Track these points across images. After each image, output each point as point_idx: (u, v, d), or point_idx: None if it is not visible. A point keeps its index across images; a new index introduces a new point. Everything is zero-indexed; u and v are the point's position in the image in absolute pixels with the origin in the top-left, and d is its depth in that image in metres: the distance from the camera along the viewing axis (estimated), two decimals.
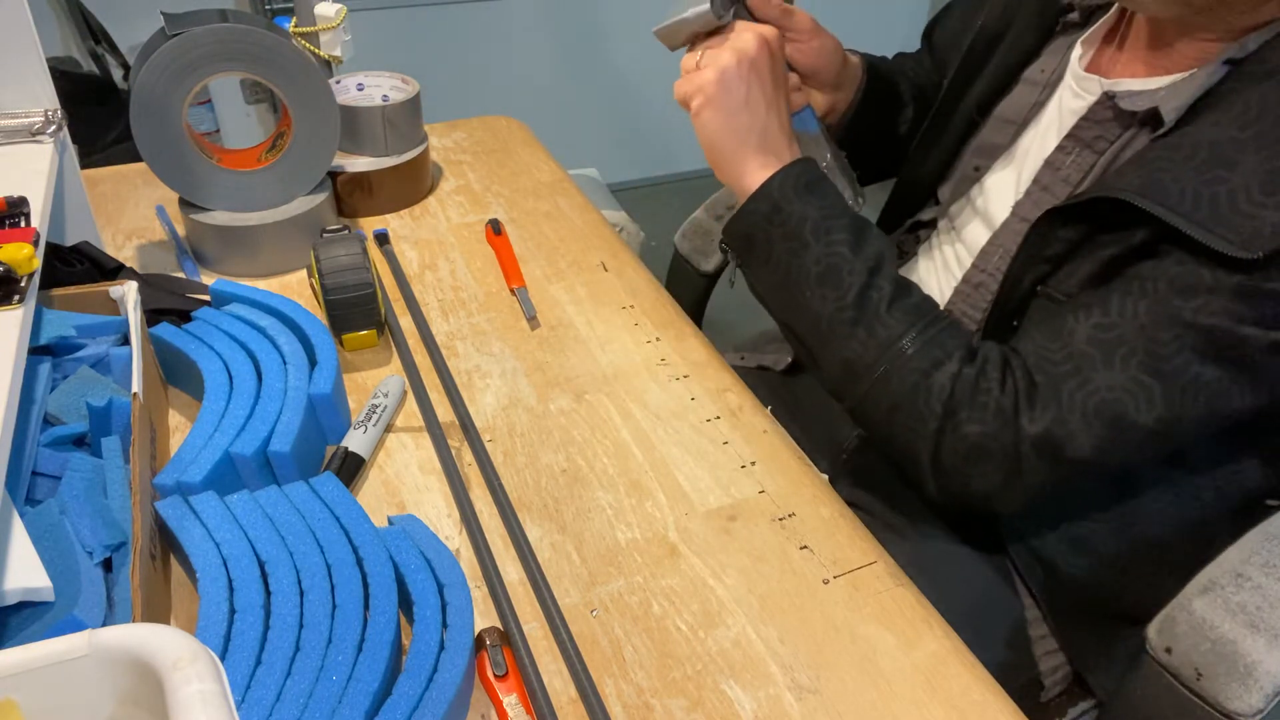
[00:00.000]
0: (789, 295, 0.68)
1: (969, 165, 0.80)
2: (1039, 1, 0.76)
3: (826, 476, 0.70)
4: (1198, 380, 0.57)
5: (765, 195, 0.68)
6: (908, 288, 0.66)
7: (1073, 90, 0.71)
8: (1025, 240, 0.65)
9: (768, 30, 0.69)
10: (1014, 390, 0.61)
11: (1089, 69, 0.71)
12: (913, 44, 0.97)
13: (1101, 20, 0.72)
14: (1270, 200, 0.53)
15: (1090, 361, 0.59)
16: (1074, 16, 0.75)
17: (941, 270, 0.81)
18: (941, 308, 0.75)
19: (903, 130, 0.91)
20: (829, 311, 0.66)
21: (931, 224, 0.85)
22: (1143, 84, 0.65)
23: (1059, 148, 0.70)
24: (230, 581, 0.51)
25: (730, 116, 0.69)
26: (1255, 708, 0.55)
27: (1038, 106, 0.75)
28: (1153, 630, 0.61)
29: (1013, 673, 0.55)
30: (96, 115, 1.72)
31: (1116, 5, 0.71)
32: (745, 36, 0.69)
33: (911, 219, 0.88)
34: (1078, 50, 0.72)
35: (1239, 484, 0.67)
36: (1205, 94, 0.60)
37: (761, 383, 0.95)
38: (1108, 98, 0.66)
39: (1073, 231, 0.62)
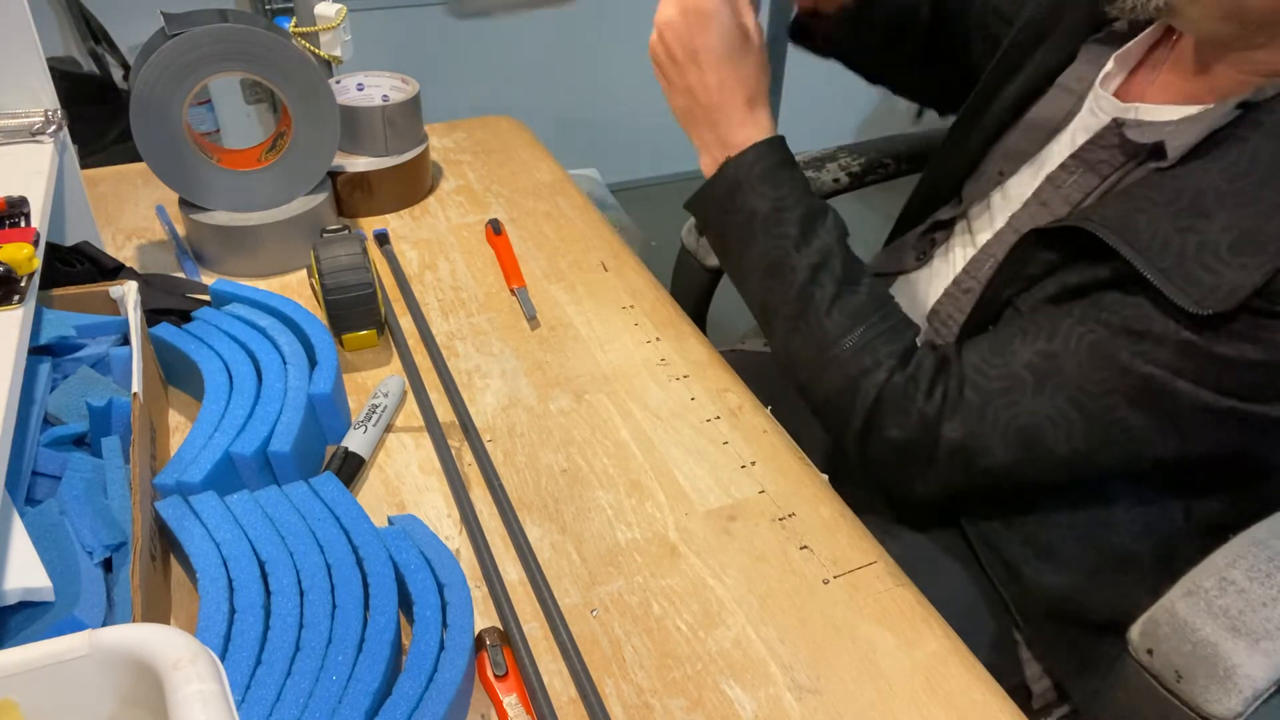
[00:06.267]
0: (740, 279, 0.70)
1: (994, 168, 0.78)
2: (1088, 5, 0.73)
3: (826, 476, 0.70)
4: (1121, 423, 0.59)
5: (720, 181, 0.68)
6: (855, 283, 0.66)
7: (1091, 107, 0.70)
8: (1009, 256, 0.65)
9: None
10: (940, 398, 0.63)
11: (1120, 88, 0.69)
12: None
13: (1141, 36, 0.70)
14: (1235, 260, 0.52)
15: (1022, 384, 0.61)
16: (1120, 25, 0.72)
17: (949, 274, 0.80)
18: (929, 308, 0.75)
19: (913, 46, 0.90)
20: (773, 304, 0.67)
21: (950, 225, 0.84)
22: (1157, 112, 0.63)
23: (1063, 165, 0.69)
24: (230, 581, 0.51)
25: (670, 94, 0.69)
26: (1234, 711, 0.55)
27: (1070, 115, 0.73)
28: (1135, 632, 0.61)
29: (998, 676, 0.55)
30: (96, 115, 1.72)
31: (1158, 24, 0.68)
32: (661, 6, 0.67)
33: (933, 214, 0.87)
34: (1109, 65, 0.70)
35: (1209, 509, 0.67)
36: (1214, 133, 0.58)
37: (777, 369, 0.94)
38: (1116, 125, 0.65)
39: (1051, 254, 0.63)
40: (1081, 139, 0.69)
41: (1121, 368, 0.57)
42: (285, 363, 0.66)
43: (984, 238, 0.77)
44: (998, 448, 0.62)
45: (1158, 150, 0.61)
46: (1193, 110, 0.61)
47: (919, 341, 0.68)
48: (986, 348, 0.63)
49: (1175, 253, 0.54)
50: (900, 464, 0.66)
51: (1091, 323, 0.59)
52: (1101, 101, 0.69)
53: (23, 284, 0.52)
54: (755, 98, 0.68)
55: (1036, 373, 0.60)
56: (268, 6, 1.94)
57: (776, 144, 0.68)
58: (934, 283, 0.83)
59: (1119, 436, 0.59)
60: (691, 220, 1.10)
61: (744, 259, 0.69)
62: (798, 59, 2.56)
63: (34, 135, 0.68)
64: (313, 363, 0.67)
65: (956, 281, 0.75)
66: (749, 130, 0.68)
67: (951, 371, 0.64)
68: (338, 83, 0.98)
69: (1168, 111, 0.63)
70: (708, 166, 0.70)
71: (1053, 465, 0.62)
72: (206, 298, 0.75)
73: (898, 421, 0.64)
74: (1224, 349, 0.54)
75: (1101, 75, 0.70)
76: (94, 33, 1.83)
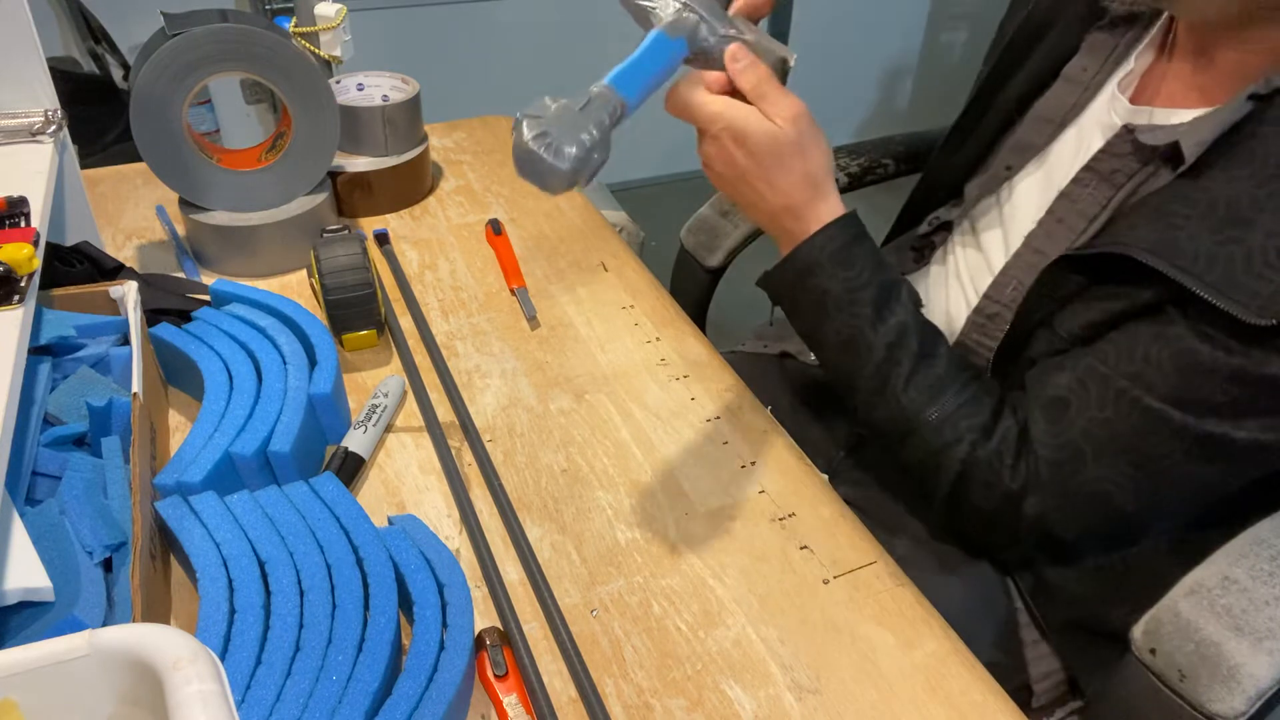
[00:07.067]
0: (815, 350, 0.70)
1: (1001, 164, 0.77)
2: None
3: (826, 476, 0.70)
4: (1186, 476, 0.60)
5: (790, 264, 0.66)
6: (931, 355, 0.65)
7: (1106, 106, 0.70)
8: (1038, 282, 0.65)
9: (722, 119, 0.60)
10: (1024, 477, 0.63)
11: (1136, 92, 0.69)
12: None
13: (1153, 32, 0.69)
14: None
15: (1081, 456, 0.61)
16: (1118, 9, 0.71)
17: (954, 284, 0.79)
18: (956, 335, 0.74)
19: None
20: (851, 378, 0.67)
21: (950, 226, 0.83)
22: (1167, 115, 0.63)
23: (1076, 180, 0.68)
24: (230, 581, 0.51)
25: (736, 205, 0.67)
26: (1237, 710, 0.55)
27: (1077, 108, 0.72)
28: (1138, 631, 0.61)
29: (1002, 676, 0.55)
30: (96, 115, 1.72)
31: (1165, 16, 0.68)
32: (707, 130, 0.61)
33: (933, 214, 0.86)
34: (1130, 64, 0.69)
35: (1239, 516, 0.67)
36: (1229, 131, 0.57)
37: (778, 369, 0.94)
38: (1127, 131, 0.65)
39: (1083, 276, 0.62)
40: (1091, 134, 0.68)
41: (1176, 431, 0.57)
42: (285, 363, 0.66)
43: (990, 238, 0.77)
44: (1072, 518, 0.63)
45: (1174, 152, 0.60)
46: (1200, 112, 0.60)
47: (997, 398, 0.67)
48: (1043, 421, 0.63)
49: (1223, 266, 0.54)
50: (986, 531, 0.68)
51: (1139, 366, 0.58)
52: (1115, 103, 0.69)
53: (23, 284, 0.52)
54: (818, 182, 0.64)
55: (1093, 442, 0.61)
56: (268, 6, 1.94)
57: (846, 223, 0.65)
58: (934, 285, 0.83)
59: (1184, 485, 0.60)
60: (691, 220, 1.10)
61: (819, 335, 0.68)
62: (797, 59, 2.56)
63: (34, 135, 0.68)
64: (313, 363, 0.67)
65: (979, 309, 0.74)
66: (817, 215, 0.65)
67: (1030, 452, 0.64)
68: (338, 83, 0.97)
69: (1179, 115, 0.62)
70: (781, 248, 0.68)
71: (1125, 519, 0.63)
72: (206, 298, 0.75)
73: (983, 495, 0.65)
74: (1271, 369, 0.53)
75: (1124, 74, 0.70)
76: (94, 33, 1.83)
